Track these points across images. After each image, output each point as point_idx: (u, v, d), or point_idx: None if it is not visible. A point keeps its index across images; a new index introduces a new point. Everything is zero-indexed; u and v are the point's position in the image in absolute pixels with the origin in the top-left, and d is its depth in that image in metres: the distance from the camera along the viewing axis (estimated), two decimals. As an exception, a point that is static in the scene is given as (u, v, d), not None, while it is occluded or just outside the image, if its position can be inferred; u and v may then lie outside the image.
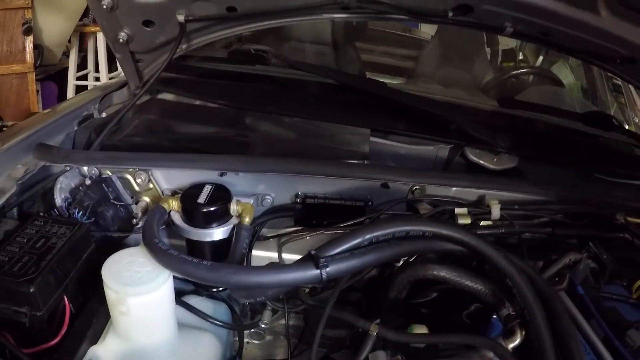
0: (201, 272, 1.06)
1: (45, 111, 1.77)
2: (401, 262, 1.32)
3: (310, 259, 1.06)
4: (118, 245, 1.39)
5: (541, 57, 3.60)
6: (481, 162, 1.73)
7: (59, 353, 1.08)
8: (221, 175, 1.41)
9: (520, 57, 3.64)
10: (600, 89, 3.05)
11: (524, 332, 1.02)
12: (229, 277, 1.07)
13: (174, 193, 1.44)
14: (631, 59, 1.53)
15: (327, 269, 1.04)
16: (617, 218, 1.46)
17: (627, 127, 2.86)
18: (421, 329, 1.10)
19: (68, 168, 1.40)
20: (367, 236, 1.11)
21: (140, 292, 1.05)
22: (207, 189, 1.35)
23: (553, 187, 1.52)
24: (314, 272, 1.04)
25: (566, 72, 3.21)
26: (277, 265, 1.35)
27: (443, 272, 1.16)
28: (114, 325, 1.13)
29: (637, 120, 2.99)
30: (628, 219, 1.47)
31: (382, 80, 3.21)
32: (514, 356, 0.99)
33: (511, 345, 1.01)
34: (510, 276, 1.06)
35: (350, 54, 3.09)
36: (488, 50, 3.54)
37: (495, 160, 1.74)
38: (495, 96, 2.74)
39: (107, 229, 1.39)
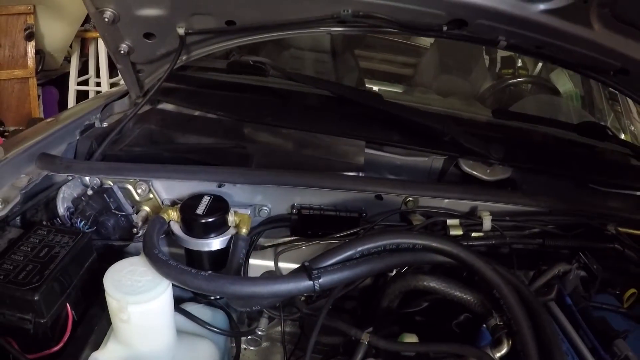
0: (199, 282, 1.09)
1: (48, 120, 1.78)
2: (394, 273, 1.34)
3: (304, 270, 1.10)
4: (119, 253, 1.43)
5: (540, 64, 3.60)
6: (475, 173, 1.77)
7: (61, 359, 1.10)
8: (219, 186, 1.44)
9: (519, 64, 3.63)
10: (597, 97, 3.07)
11: (510, 342, 1.05)
12: (225, 288, 1.10)
13: (173, 203, 1.46)
14: (624, 71, 1.55)
15: (320, 280, 1.08)
16: (608, 229, 1.47)
17: (623, 135, 2.88)
18: (411, 338, 1.12)
19: (70, 178, 1.43)
20: (359, 248, 1.14)
21: (140, 301, 1.08)
22: (206, 200, 1.38)
23: (544, 198, 1.54)
24: (307, 283, 1.08)
25: (565, 80, 3.20)
26: (272, 276, 1.37)
27: (433, 283, 1.19)
28: (115, 332, 1.15)
29: (632, 129, 3.00)
30: (619, 229, 1.48)
31: (381, 88, 3.26)
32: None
33: (498, 355, 1.04)
34: (497, 287, 1.09)
35: (349, 61, 3.12)
36: (487, 57, 3.55)
37: (488, 171, 1.77)
38: (493, 105, 2.77)
39: (109, 237, 1.41)
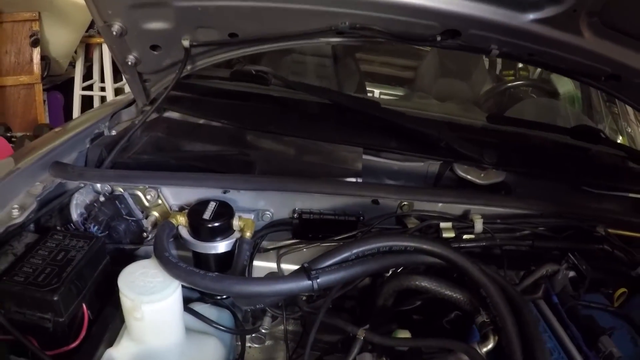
0: (206, 283, 1.16)
1: (56, 129, 1.84)
2: (390, 273, 1.40)
3: (303, 271, 1.17)
4: (130, 256, 1.48)
5: (541, 66, 3.60)
6: (469, 177, 1.82)
7: (78, 355, 1.17)
8: (224, 192, 1.49)
9: (520, 65, 3.64)
10: (595, 99, 3.09)
11: (496, 338, 1.10)
12: (231, 287, 1.17)
13: (181, 209, 1.52)
14: (616, 77, 1.60)
15: (318, 280, 1.14)
16: (598, 230, 1.51)
17: (620, 137, 2.91)
18: (404, 334, 1.18)
19: (82, 185, 1.48)
20: (355, 250, 1.21)
21: (153, 300, 1.14)
22: (212, 205, 1.43)
23: (535, 201, 1.58)
24: (306, 283, 1.14)
25: (565, 80, 3.19)
26: (274, 277, 1.43)
27: (424, 283, 1.25)
28: (128, 329, 1.21)
29: (629, 131, 3.02)
30: (609, 230, 1.52)
31: (382, 91, 3.29)
32: (487, 359, 1.08)
33: (484, 349, 1.09)
34: (484, 286, 1.15)
35: (350, 65, 3.14)
36: (487, 60, 3.55)
37: (482, 175, 1.82)
38: (492, 108, 2.80)
39: (120, 241, 1.46)
